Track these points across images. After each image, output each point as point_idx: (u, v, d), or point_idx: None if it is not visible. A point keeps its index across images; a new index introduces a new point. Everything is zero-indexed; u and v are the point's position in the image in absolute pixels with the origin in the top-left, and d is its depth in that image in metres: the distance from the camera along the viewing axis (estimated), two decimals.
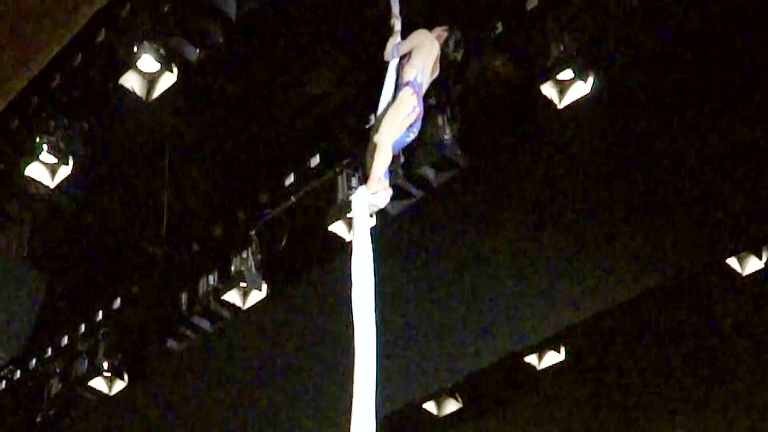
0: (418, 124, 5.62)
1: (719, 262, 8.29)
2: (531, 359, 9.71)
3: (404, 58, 5.62)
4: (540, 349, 9.54)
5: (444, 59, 7.23)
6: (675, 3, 6.96)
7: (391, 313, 8.59)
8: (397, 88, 5.60)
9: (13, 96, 8.77)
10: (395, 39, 5.66)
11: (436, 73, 5.85)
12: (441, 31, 5.88)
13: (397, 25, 5.72)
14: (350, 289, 5.13)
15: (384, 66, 5.66)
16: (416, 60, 5.67)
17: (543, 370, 9.74)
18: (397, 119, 5.53)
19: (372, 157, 5.44)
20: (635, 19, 7.07)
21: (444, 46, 6.18)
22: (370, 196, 5.31)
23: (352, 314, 9.33)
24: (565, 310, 8.26)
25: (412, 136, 5.61)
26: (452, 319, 8.68)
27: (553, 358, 9.71)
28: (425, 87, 5.64)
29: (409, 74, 5.62)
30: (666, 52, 7.08)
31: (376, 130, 5.50)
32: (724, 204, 7.20)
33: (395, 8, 5.74)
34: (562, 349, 9.66)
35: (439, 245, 8.67)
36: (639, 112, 7.38)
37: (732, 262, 8.52)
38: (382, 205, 5.45)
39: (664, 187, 7.52)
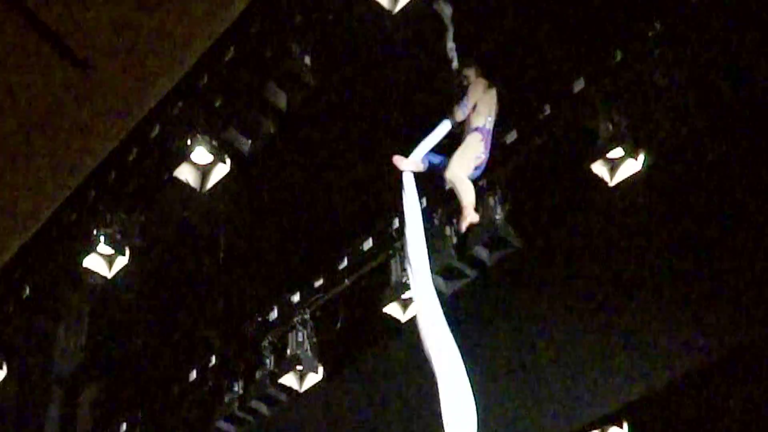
0: (483, 166, 6.06)
1: None
2: None
3: (474, 109, 6.24)
4: (603, 425, 9.39)
5: (495, 141, 7.40)
6: (724, 78, 6.98)
7: None
8: (465, 132, 6.24)
9: (72, 191, 8.99)
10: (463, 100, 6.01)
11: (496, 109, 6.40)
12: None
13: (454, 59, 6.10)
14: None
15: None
16: (482, 108, 6.25)
17: None
18: (464, 160, 6.24)
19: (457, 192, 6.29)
20: (684, 96, 7.09)
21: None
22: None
23: (410, 393, 9.30)
24: (627, 384, 8.16)
25: (478, 173, 6.29)
26: (510, 397, 8.60)
27: None
28: (491, 128, 6.24)
29: (477, 121, 6.20)
30: (717, 127, 7.08)
31: (446, 168, 6.22)
32: None
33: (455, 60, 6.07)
34: (625, 425, 9.50)
35: (494, 323, 8.64)
36: (692, 189, 7.35)
37: None
38: None
39: (722, 260, 7.45)
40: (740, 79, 6.91)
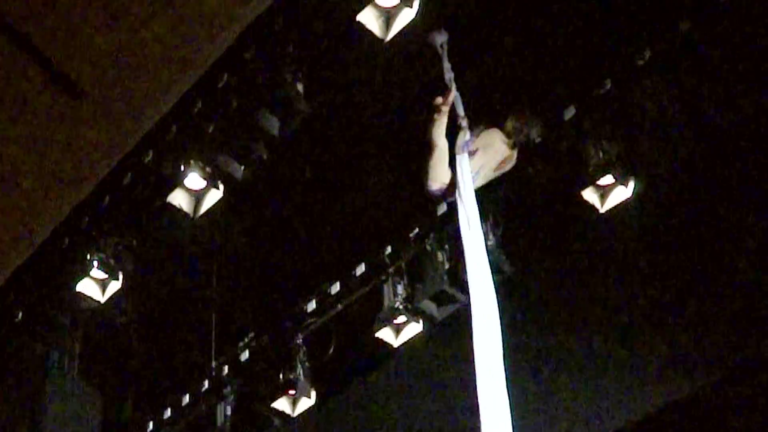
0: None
1: None
2: None
3: (472, 153, 5.82)
4: None
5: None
6: (714, 105, 7.05)
7: (437, 419, 8.60)
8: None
9: (65, 215, 8.99)
10: (465, 135, 5.79)
11: (507, 167, 6.12)
12: (512, 127, 6.03)
13: (464, 123, 5.86)
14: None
15: None
16: (478, 160, 5.87)
17: None
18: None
19: None
20: (674, 123, 7.17)
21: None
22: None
23: (403, 418, 9.27)
24: (614, 409, 8.19)
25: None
26: None
27: None
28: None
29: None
30: (707, 154, 7.14)
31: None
32: None
33: (460, 110, 5.88)
34: None
35: None
36: (682, 216, 7.41)
37: None
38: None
39: (712, 286, 7.49)
40: (729, 107, 6.98)
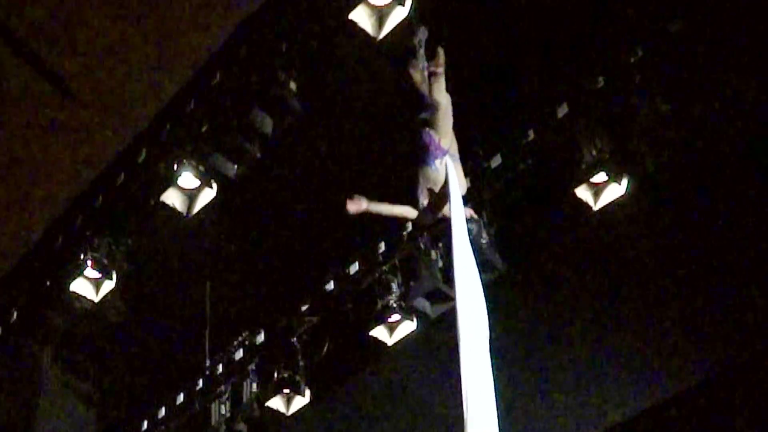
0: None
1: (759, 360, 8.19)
2: None
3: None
4: None
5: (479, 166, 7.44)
6: (705, 103, 7.05)
7: (432, 416, 8.60)
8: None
9: (59, 215, 9.00)
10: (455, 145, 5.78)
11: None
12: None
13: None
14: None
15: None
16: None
17: None
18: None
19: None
20: (666, 121, 7.17)
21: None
22: None
23: (397, 416, 9.25)
24: (611, 405, 8.20)
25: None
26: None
27: None
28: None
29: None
30: (699, 152, 7.15)
31: None
32: (761, 301, 7.16)
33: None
34: None
35: None
36: (675, 213, 7.42)
37: None
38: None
39: (705, 283, 7.51)
40: (721, 104, 6.99)
